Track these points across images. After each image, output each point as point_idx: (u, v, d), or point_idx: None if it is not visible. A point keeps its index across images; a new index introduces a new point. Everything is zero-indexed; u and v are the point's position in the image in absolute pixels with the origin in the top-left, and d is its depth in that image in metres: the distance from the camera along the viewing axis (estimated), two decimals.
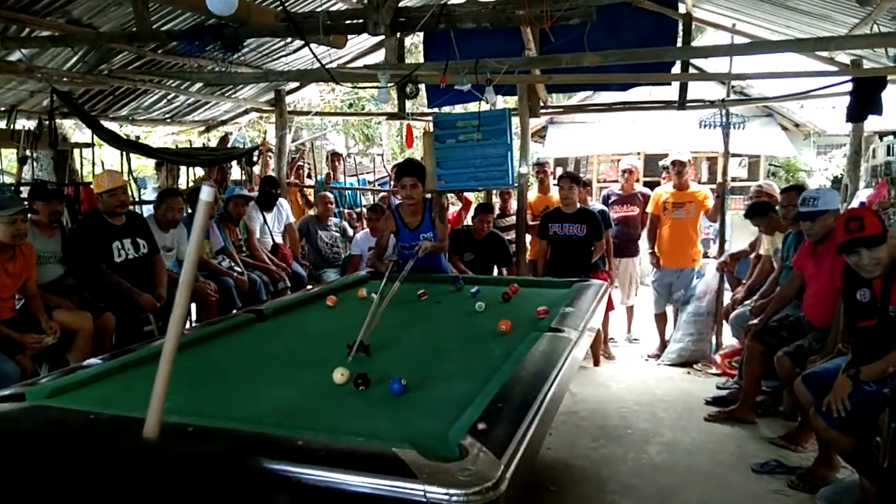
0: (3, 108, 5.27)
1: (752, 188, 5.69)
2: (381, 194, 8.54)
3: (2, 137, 4.85)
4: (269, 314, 3.47)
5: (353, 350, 2.61)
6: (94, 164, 6.27)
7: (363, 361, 2.56)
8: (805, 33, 5.63)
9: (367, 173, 11.31)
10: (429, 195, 4.93)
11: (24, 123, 5.66)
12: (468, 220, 7.06)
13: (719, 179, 6.38)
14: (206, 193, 1.15)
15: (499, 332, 3.00)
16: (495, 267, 6.39)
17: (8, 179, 5.38)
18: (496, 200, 7.24)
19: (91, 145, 6.20)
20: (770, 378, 4.44)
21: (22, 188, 5.17)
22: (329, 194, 7.17)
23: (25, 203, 4.33)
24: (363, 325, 2.74)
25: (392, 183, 7.85)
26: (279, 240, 6.56)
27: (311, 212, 7.46)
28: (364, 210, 8.16)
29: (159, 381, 1.33)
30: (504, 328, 3.02)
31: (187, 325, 4.83)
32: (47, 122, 5.38)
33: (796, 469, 3.60)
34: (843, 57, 5.84)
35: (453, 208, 7.79)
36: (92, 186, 5.21)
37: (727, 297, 5.73)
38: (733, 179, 9.06)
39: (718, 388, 5.08)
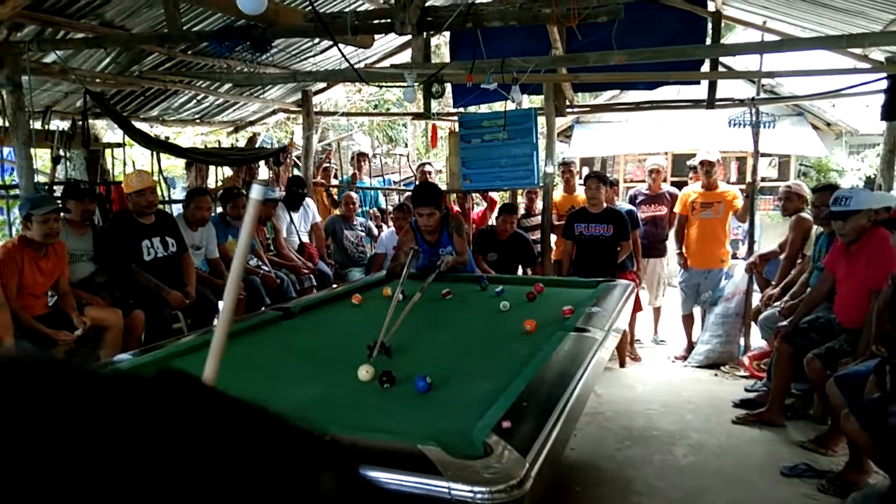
0: (38, 109, 5.38)
1: (782, 188, 5.60)
2: (407, 194, 8.57)
3: (37, 138, 4.96)
4: (295, 312, 3.50)
5: (373, 351, 2.59)
6: (125, 163, 6.39)
7: (387, 360, 2.57)
8: (838, 30, 5.52)
9: (393, 173, 11.36)
10: (452, 201, 4.89)
11: (58, 124, 5.78)
12: (492, 220, 7.05)
13: (748, 179, 6.29)
14: (256, 192, 1.15)
15: (524, 332, 3.00)
16: (519, 267, 6.37)
17: (42, 179, 5.49)
18: (521, 200, 7.22)
19: (122, 145, 6.31)
20: (799, 381, 4.37)
21: (55, 187, 5.29)
22: (353, 194, 7.21)
23: (58, 202, 4.43)
24: (383, 327, 2.74)
25: (416, 182, 7.88)
26: (305, 239, 6.62)
27: (337, 211, 7.52)
28: (387, 209, 8.22)
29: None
30: (529, 328, 3.01)
31: (215, 322, 4.90)
32: (80, 123, 5.49)
33: (826, 473, 3.54)
34: (878, 54, 5.72)
35: (478, 208, 7.79)
36: (122, 186, 5.31)
37: (756, 299, 5.65)
38: (763, 179, 8.92)
39: (747, 390, 5.01)
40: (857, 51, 5.61)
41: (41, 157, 6.18)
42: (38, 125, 5.34)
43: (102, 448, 0.28)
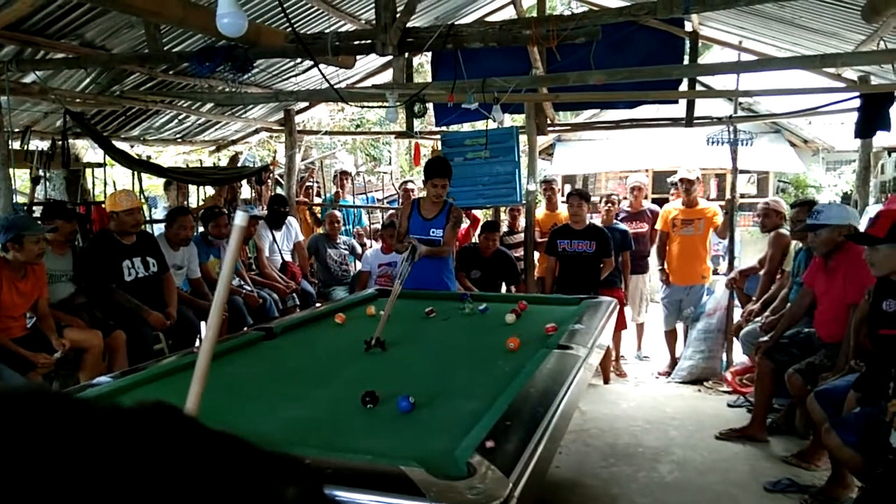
0: (17, 130, 5.34)
1: (760, 205, 5.68)
2: (390, 212, 8.58)
3: (16, 158, 4.92)
4: (278, 332, 3.48)
5: (370, 344, 2.95)
6: (105, 183, 6.35)
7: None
8: (812, 50, 5.65)
9: (376, 191, 11.38)
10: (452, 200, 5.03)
11: (38, 144, 5.73)
12: (475, 238, 7.08)
13: (728, 196, 6.37)
14: (240, 219, 1.16)
15: (507, 350, 3.00)
16: (503, 284, 6.38)
17: (21, 199, 5.43)
18: (504, 218, 7.26)
19: (103, 165, 6.28)
20: (781, 395, 4.40)
21: (35, 208, 5.23)
22: (337, 213, 7.21)
23: (39, 222, 4.38)
24: (379, 324, 3.04)
25: (401, 201, 7.90)
26: (288, 258, 6.59)
27: (320, 230, 7.52)
28: (368, 228, 8.25)
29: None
30: (512, 345, 3.01)
31: (197, 344, 4.85)
32: (60, 143, 5.45)
33: (809, 488, 3.55)
34: (851, 73, 5.84)
35: (462, 225, 7.80)
36: (105, 206, 5.27)
37: (737, 314, 5.70)
38: (742, 196, 9.04)
39: (729, 405, 5.05)
40: (831, 70, 5.73)
41: (21, 178, 6.12)
42: (17, 145, 5.30)
43: (88, 478, 0.30)
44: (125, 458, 0.32)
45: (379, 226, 7.48)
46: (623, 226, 6.24)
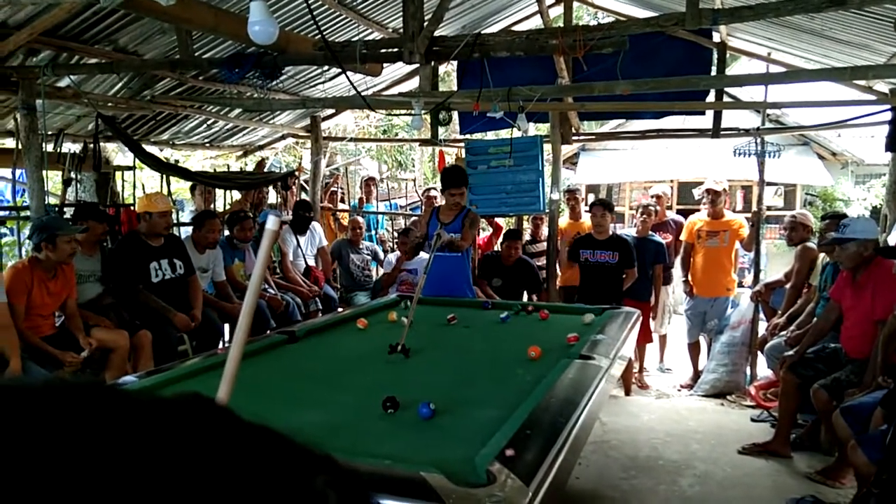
0: (50, 132, 5.46)
1: (787, 218, 5.62)
2: (413, 219, 8.62)
3: (48, 160, 5.03)
4: (300, 336, 3.51)
5: (395, 350, 2.99)
6: (134, 186, 6.45)
7: (392, 386, 2.57)
8: (842, 62, 5.58)
9: (399, 198, 11.43)
10: (468, 205, 5.17)
11: (70, 147, 5.85)
12: (498, 246, 7.08)
13: (754, 208, 6.30)
14: (272, 223, 1.17)
15: (528, 358, 3.00)
16: (525, 293, 6.37)
17: (52, 200, 5.54)
18: (527, 226, 7.25)
19: (132, 168, 6.38)
20: (806, 411, 4.34)
21: (66, 209, 5.34)
22: (360, 219, 7.26)
23: (71, 223, 4.47)
24: (403, 331, 3.08)
25: (423, 208, 7.94)
26: (312, 262, 6.65)
27: (344, 235, 7.57)
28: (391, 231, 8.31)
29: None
30: (534, 354, 3.01)
31: (220, 346, 4.91)
32: (92, 146, 5.56)
33: None
34: (882, 86, 5.76)
35: (484, 233, 7.81)
36: (135, 208, 5.36)
37: (762, 328, 5.63)
38: (769, 208, 8.95)
39: (753, 420, 4.98)
40: (862, 82, 5.66)
41: (52, 179, 6.23)
42: (50, 147, 5.41)
43: (131, 459, 0.32)
44: (167, 444, 0.34)
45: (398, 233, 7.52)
46: (659, 238, 6.17)
